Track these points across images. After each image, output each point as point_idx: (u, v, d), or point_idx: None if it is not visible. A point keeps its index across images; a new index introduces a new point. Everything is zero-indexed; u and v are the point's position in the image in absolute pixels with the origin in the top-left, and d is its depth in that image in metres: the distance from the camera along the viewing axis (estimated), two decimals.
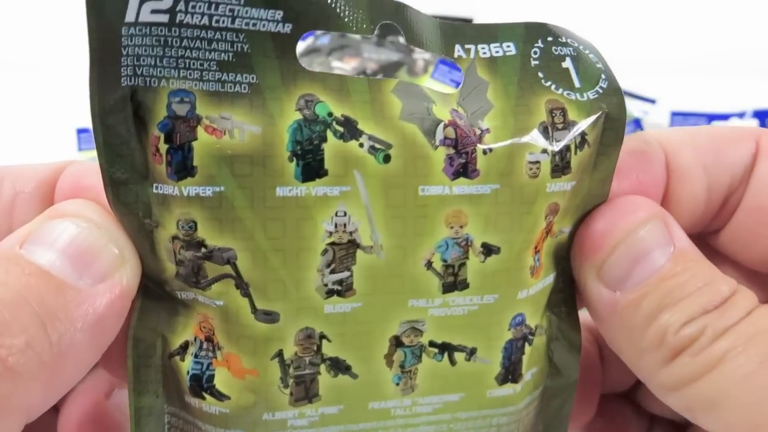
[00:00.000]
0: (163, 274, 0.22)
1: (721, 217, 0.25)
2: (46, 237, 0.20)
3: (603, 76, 0.25)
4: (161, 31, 0.20)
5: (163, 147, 0.21)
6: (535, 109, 0.24)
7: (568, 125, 0.24)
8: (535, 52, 0.24)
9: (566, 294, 0.27)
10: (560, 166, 0.24)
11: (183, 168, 0.21)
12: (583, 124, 0.24)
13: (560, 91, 0.24)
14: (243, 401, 0.23)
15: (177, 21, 0.20)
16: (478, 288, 0.24)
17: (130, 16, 0.19)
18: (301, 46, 0.23)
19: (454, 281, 0.23)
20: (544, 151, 0.23)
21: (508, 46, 0.24)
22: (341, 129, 0.22)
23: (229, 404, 0.23)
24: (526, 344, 0.25)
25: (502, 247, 0.23)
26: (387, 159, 0.22)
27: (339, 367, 0.23)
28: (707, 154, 0.24)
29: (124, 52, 0.20)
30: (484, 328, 0.24)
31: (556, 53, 0.24)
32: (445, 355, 0.24)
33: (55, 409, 0.26)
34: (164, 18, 0.20)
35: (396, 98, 0.23)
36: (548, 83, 0.24)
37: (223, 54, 0.21)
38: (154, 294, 0.23)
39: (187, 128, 0.21)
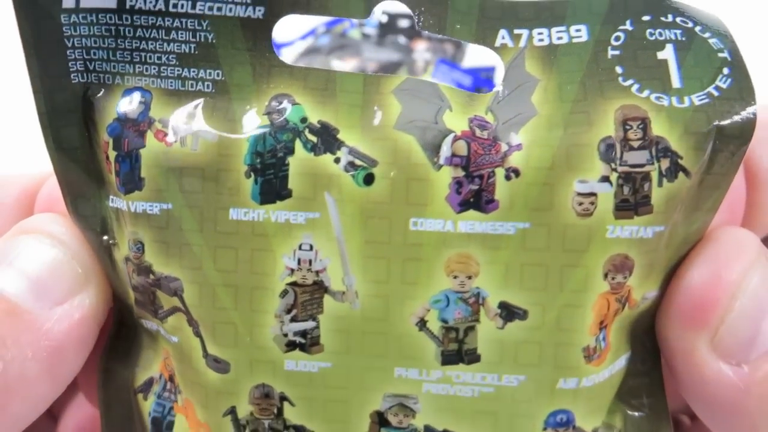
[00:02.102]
0: (128, 299, 0.20)
1: None
2: (6, 255, 0.18)
3: (726, 71, 0.17)
4: (110, 18, 0.17)
5: (112, 154, 0.18)
6: (599, 119, 0.17)
7: (648, 143, 0.16)
8: (618, 38, 0.17)
9: (651, 378, 0.19)
10: (631, 202, 0.16)
11: (131, 179, 0.18)
12: (676, 142, 0.16)
13: (645, 93, 0.17)
14: None
15: (127, 6, 0.17)
16: (494, 364, 0.17)
17: (68, 2, 0.17)
18: (280, 34, 0.19)
19: (458, 350, 0.17)
20: (605, 178, 0.16)
21: (578, 30, 0.17)
22: (314, 139, 0.17)
23: None
24: None
25: (530, 311, 0.17)
26: (369, 180, 0.17)
27: None
28: None
29: (70, 44, 0.17)
30: (506, 421, 0.17)
31: (653, 38, 0.17)
32: None
33: (53, 419, 0.24)
34: (111, 3, 0.17)
35: (396, 101, 0.17)
36: (628, 82, 0.17)
37: (183, 45, 0.18)
38: (126, 320, 0.20)
39: (135, 133, 0.18)
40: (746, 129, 0.17)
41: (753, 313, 0.17)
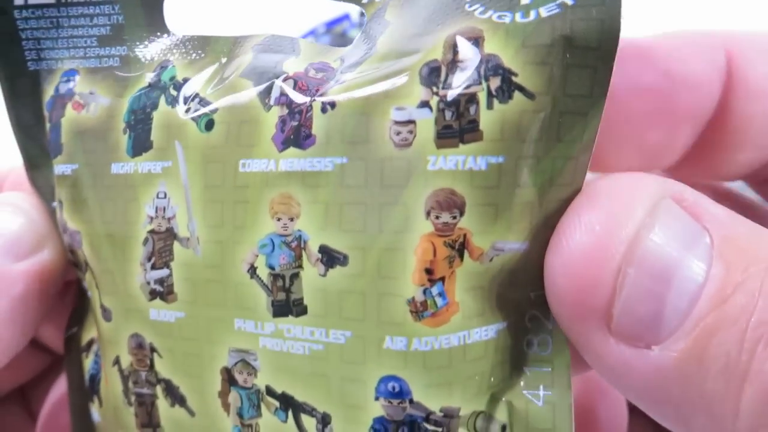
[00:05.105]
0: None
1: None
2: None
3: None
4: (52, 12, 0.21)
5: (47, 126, 0.21)
6: (430, 46, 0.15)
7: (478, 63, 0.14)
8: None
9: (553, 366, 0.15)
10: (455, 128, 0.14)
11: (56, 146, 0.20)
12: (510, 58, 0.14)
13: (488, 14, 0.15)
14: (106, 411, 0.20)
15: (63, 0, 0.20)
16: (321, 317, 0.15)
17: (18, 0, 0.21)
18: (174, 7, 0.20)
19: (286, 300, 0.16)
20: (424, 103, 0.14)
21: None
22: (175, 93, 0.18)
23: (102, 413, 0.21)
24: None
25: (350, 256, 0.15)
26: (209, 126, 0.17)
27: (174, 395, 0.18)
28: None
29: (23, 36, 0.21)
30: (337, 386, 0.16)
31: None
32: (290, 414, 0.16)
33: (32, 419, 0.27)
34: None
35: (251, 55, 0.17)
36: (473, 7, 0.15)
37: (102, 29, 0.20)
38: (81, 285, 0.23)
39: (60, 105, 0.20)
40: (607, 39, 0.13)
41: (651, 285, 0.13)
